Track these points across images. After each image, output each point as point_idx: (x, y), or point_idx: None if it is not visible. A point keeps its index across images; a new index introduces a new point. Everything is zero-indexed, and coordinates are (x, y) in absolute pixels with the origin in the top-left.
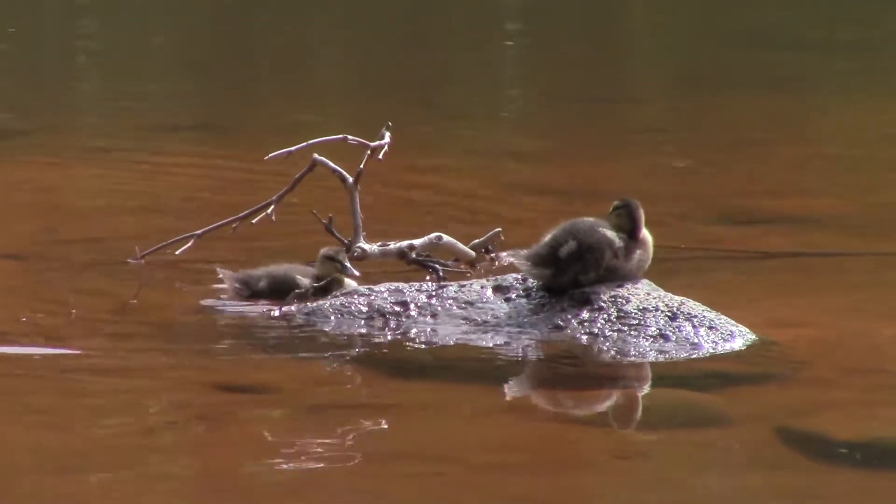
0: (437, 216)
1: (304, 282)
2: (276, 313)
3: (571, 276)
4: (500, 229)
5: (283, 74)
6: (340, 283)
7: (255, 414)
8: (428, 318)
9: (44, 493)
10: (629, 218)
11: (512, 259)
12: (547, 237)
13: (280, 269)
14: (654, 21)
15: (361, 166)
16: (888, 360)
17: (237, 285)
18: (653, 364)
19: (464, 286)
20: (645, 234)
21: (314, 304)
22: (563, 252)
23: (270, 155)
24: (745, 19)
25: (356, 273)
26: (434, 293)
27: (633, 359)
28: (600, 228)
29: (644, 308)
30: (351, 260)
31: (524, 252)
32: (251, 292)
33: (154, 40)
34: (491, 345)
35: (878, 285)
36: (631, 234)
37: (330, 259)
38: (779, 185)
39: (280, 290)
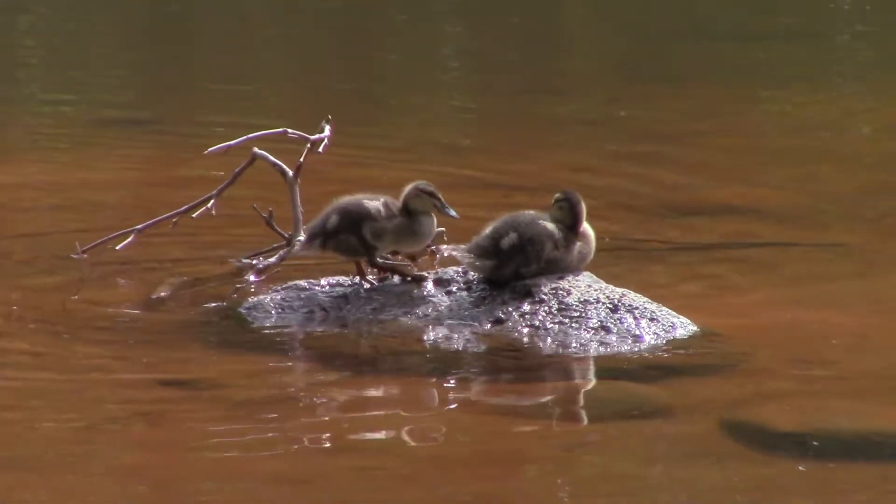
0: None
1: (374, 204)
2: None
3: (513, 268)
4: (443, 229)
5: (223, 68)
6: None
7: (196, 409)
8: (367, 312)
9: None
10: (570, 211)
11: (453, 252)
12: (488, 229)
13: (347, 200)
14: (593, 12)
15: (301, 160)
16: (829, 351)
17: (307, 241)
18: (595, 356)
19: (405, 279)
20: (587, 227)
21: (255, 298)
22: (505, 244)
23: (210, 149)
24: (685, 10)
25: (455, 214)
26: (375, 286)
27: (574, 351)
28: (541, 221)
29: (585, 300)
30: (292, 253)
31: (465, 245)
32: (324, 236)
33: (91, 34)
34: (432, 338)
35: (819, 276)
36: (572, 228)
37: (429, 194)
38: (719, 176)
39: (352, 222)
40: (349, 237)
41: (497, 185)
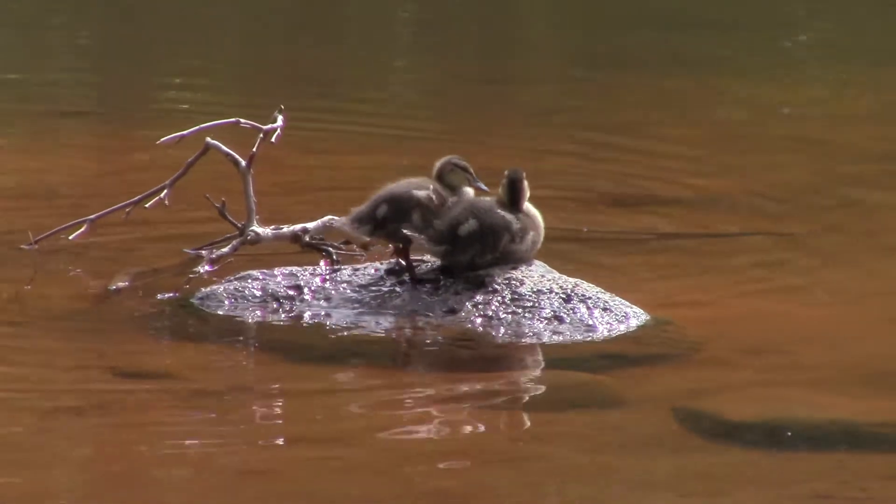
0: (331, 199)
1: (422, 194)
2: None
3: (469, 256)
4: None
5: (175, 57)
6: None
7: (149, 400)
8: (322, 302)
9: None
10: (508, 188)
11: (408, 234)
12: (447, 218)
13: (396, 187)
14: (550, 1)
15: (254, 150)
16: (783, 340)
17: (355, 226)
18: (548, 346)
19: (357, 269)
20: (536, 214)
21: (208, 288)
22: (463, 231)
23: (163, 139)
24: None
25: (485, 187)
26: (328, 277)
27: (528, 341)
28: (499, 210)
29: (538, 290)
30: (245, 244)
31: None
32: (374, 224)
33: (43, 24)
34: (385, 328)
35: (772, 265)
36: (513, 204)
37: (462, 168)
38: (674, 165)
39: (401, 210)
40: (398, 227)
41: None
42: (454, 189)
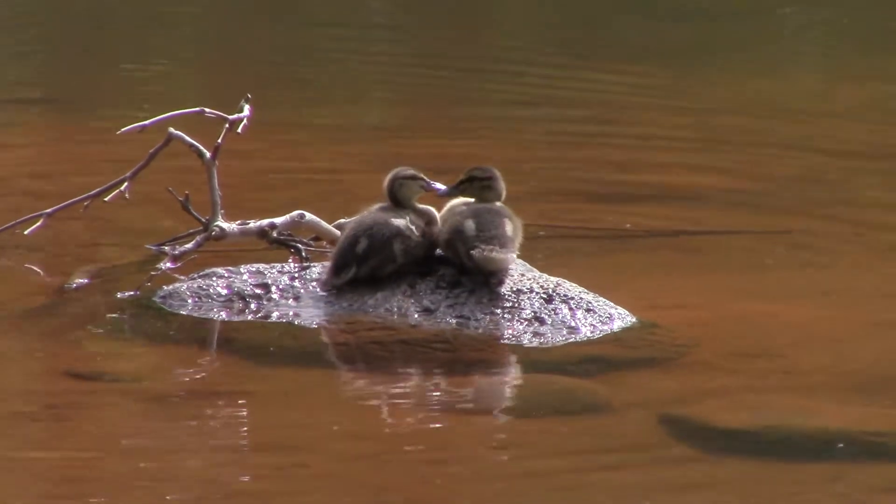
0: (300, 193)
1: (402, 222)
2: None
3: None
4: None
5: (137, 45)
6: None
7: (107, 403)
8: (290, 302)
9: None
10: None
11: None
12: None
13: (367, 220)
14: None
15: (220, 141)
16: (775, 344)
17: (336, 279)
18: (528, 349)
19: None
20: (514, 216)
21: (170, 286)
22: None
23: (124, 129)
24: None
25: (441, 187)
26: (296, 275)
27: (506, 343)
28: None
29: (518, 290)
30: (209, 240)
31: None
32: (356, 263)
33: None
34: (357, 329)
35: (764, 265)
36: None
37: (411, 178)
38: (661, 159)
39: (382, 249)
40: (380, 262)
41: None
42: (402, 204)
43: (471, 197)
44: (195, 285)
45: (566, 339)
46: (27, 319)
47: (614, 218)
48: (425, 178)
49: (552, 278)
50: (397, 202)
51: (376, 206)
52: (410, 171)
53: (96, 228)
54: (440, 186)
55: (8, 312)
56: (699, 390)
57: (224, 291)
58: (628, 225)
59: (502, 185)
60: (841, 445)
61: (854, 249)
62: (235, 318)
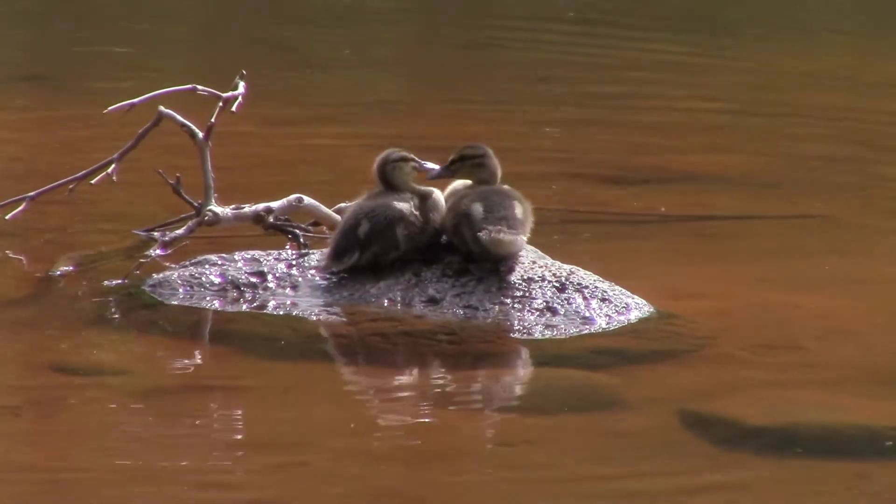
0: (298, 176)
1: (405, 206)
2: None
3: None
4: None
5: (124, 15)
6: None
7: (94, 398)
8: (288, 291)
9: None
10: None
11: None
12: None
13: (368, 203)
14: None
15: (213, 120)
16: (800, 335)
17: (337, 262)
18: (539, 341)
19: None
20: (523, 199)
21: (161, 274)
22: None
23: (111, 108)
24: None
25: (434, 167)
26: (294, 262)
27: (517, 335)
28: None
29: (529, 278)
30: (201, 225)
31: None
32: (358, 247)
33: None
34: (358, 320)
35: (788, 252)
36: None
37: (401, 160)
38: (678, 140)
39: (385, 233)
40: (383, 246)
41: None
42: (397, 187)
43: (464, 178)
44: (187, 273)
45: (580, 330)
46: (8, 309)
47: (631, 202)
48: (416, 158)
49: (565, 266)
50: (391, 187)
51: (376, 189)
52: (400, 153)
53: (82, 213)
54: (433, 166)
55: None
56: (720, 384)
57: (217, 280)
58: (642, 208)
59: (495, 163)
60: (868, 442)
61: (884, 236)
62: (229, 309)
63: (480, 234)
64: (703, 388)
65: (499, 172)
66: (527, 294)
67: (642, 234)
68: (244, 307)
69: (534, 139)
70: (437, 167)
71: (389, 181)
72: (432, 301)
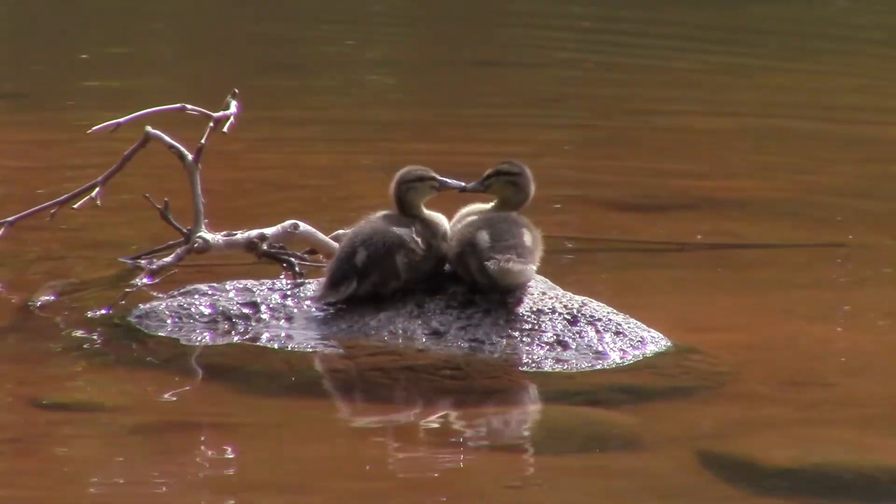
0: (293, 201)
1: (405, 231)
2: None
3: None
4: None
5: (110, 33)
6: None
7: (77, 436)
8: (282, 322)
9: None
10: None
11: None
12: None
13: (365, 229)
14: None
15: (203, 141)
16: (828, 371)
17: (331, 288)
18: (549, 376)
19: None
20: (532, 226)
21: (147, 305)
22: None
23: (95, 128)
24: None
25: (458, 183)
26: (289, 292)
27: (525, 370)
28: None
29: (539, 310)
30: (191, 252)
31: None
32: (356, 276)
33: None
34: (357, 354)
35: (816, 282)
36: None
37: (418, 179)
38: (697, 163)
39: (384, 262)
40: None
41: (435, 170)
42: (412, 211)
43: (496, 194)
44: (175, 304)
45: (592, 365)
46: None
47: (647, 229)
48: (437, 175)
49: (577, 297)
50: (405, 209)
51: (379, 213)
52: (419, 171)
53: (64, 239)
54: (456, 183)
55: None
56: (742, 423)
57: (207, 311)
58: (659, 236)
59: (531, 188)
60: None
61: None
62: (220, 341)
63: (488, 263)
64: (724, 428)
65: (530, 198)
66: (536, 327)
67: (659, 263)
68: (236, 340)
69: (543, 161)
70: (460, 183)
71: (403, 203)
72: (436, 334)
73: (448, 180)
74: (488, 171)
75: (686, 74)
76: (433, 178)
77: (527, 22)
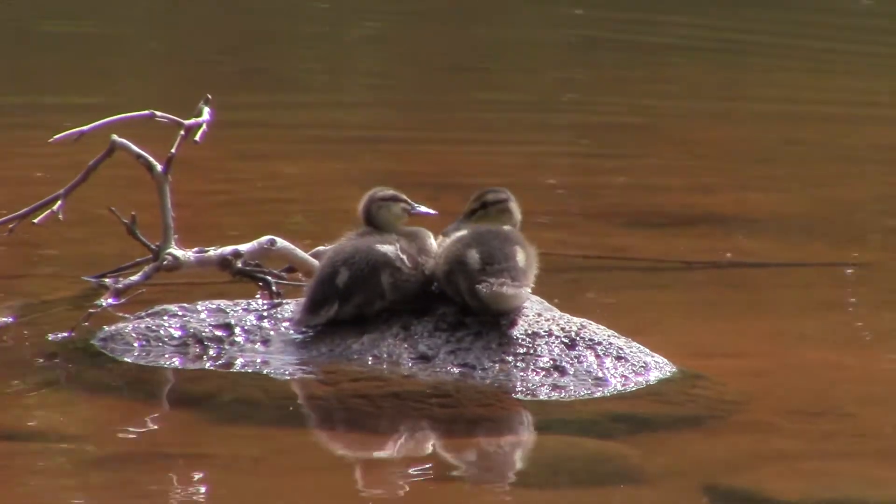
0: (270, 214)
1: (390, 248)
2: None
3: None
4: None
5: (73, 38)
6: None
7: (37, 468)
8: (258, 346)
9: None
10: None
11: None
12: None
13: (347, 247)
14: None
15: (173, 150)
16: (842, 400)
17: (309, 312)
18: (546, 404)
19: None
20: (526, 243)
21: (113, 327)
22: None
23: (57, 136)
24: None
25: (429, 211)
26: (265, 313)
27: (520, 397)
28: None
29: (534, 333)
30: (160, 270)
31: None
32: (337, 298)
33: None
34: (339, 380)
35: (828, 305)
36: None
37: (391, 199)
38: (702, 177)
39: (367, 282)
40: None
41: (422, 185)
42: (383, 230)
43: (491, 224)
44: (142, 326)
45: (592, 392)
46: None
47: (650, 247)
48: (408, 199)
49: (575, 319)
50: (377, 229)
51: (361, 229)
52: (390, 192)
53: (24, 256)
54: (427, 210)
55: None
56: (751, 455)
57: (177, 333)
58: (663, 254)
59: (517, 207)
60: None
61: None
62: (191, 366)
63: (479, 287)
64: (732, 460)
65: (520, 219)
66: (531, 351)
67: (664, 282)
68: (208, 365)
69: (538, 175)
70: (431, 211)
71: (375, 222)
72: (423, 358)
73: (420, 207)
74: (472, 206)
75: (690, 81)
76: (404, 201)
77: (522, 23)
